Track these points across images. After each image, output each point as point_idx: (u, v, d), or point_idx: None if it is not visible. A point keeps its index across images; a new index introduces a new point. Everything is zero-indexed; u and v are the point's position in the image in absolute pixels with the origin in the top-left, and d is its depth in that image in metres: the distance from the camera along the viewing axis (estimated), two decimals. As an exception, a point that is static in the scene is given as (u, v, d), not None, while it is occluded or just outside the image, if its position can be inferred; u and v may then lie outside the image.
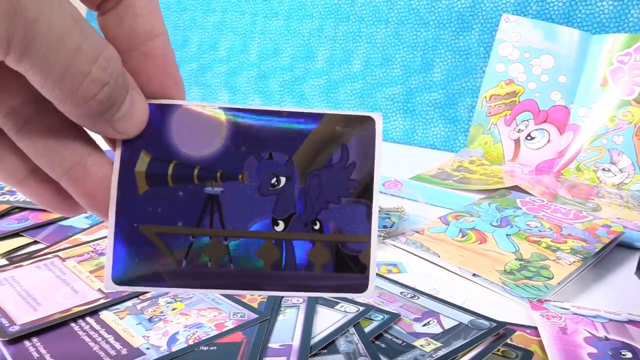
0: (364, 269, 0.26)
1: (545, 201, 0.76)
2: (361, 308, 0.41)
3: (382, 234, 0.62)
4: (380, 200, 0.74)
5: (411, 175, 0.92)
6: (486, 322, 0.40)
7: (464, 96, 1.15)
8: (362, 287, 0.26)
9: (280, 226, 0.26)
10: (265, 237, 0.26)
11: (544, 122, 1.06)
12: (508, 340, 0.40)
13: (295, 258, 0.26)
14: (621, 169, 0.98)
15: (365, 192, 0.26)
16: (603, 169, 1.00)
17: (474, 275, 0.54)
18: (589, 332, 0.46)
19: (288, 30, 1.27)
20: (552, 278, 0.54)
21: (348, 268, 0.26)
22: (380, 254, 0.59)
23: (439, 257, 0.57)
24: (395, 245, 0.61)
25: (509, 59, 1.09)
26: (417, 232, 0.63)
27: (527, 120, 1.08)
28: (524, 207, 0.73)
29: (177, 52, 1.40)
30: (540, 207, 0.73)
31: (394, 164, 1.00)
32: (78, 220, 0.62)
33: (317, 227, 0.26)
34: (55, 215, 0.62)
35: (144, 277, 0.25)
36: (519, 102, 1.08)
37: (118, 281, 0.25)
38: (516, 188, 0.82)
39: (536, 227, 0.66)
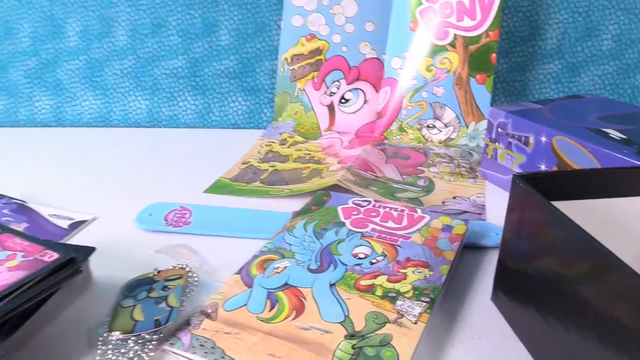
0: None
1: (372, 202, 0.60)
2: None
3: (154, 338, 0.41)
4: (155, 260, 0.50)
5: (209, 182, 0.71)
6: None
7: (261, 60, 0.94)
8: None
9: None
10: None
11: (357, 79, 0.90)
12: None
13: None
14: (446, 123, 0.87)
15: None
16: (427, 126, 0.87)
17: (291, 391, 0.37)
18: None
19: (20, 2, 0.94)
20: (398, 358, 0.38)
21: None
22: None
23: (238, 365, 0.38)
24: (176, 354, 0.41)
25: (305, 9, 0.90)
26: (208, 315, 0.43)
27: (337, 81, 0.91)
28: (348, 219, 0.57)
29: None
30: (367, 213, 0.58)
31: (181, 161, 0.76)
32: None
33: None
34: None
35: None
36: (326, 60, 0.91)
37: None
38: (337, 188, 0.66)
39: (366, 256, 0.50)
